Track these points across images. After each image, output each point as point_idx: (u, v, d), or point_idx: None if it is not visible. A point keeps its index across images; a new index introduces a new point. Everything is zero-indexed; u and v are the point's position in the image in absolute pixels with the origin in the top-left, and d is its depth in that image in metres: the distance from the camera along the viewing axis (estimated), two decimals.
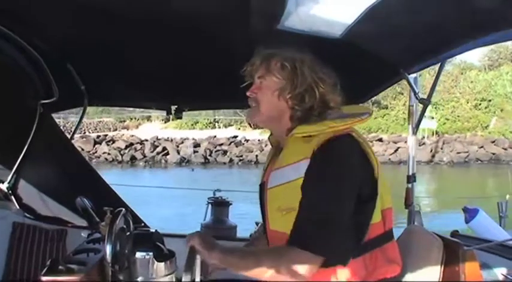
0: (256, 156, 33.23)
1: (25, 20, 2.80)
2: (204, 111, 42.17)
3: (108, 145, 36.54)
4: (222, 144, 35.76)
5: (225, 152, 34.77)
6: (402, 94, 35.93)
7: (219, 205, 3.84)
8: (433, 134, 35.58)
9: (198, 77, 3.41)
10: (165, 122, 47.35)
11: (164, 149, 35.52)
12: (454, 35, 2.39)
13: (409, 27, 2.52)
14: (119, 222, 2.21)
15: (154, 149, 35.69)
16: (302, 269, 1.84)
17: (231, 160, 33.81)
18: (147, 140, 36.82)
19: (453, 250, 2.41)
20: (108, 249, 2.11)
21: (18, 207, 3.77)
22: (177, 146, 35.85)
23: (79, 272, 2.14)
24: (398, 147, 33.57)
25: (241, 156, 34.19)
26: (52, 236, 3.42)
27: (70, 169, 3.95)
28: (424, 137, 34.84)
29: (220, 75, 3.28)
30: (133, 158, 35.12)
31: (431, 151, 33.81)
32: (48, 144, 3.83)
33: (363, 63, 2.90)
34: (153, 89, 3.66)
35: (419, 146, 33.18)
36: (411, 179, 3.37)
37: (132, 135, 38.65)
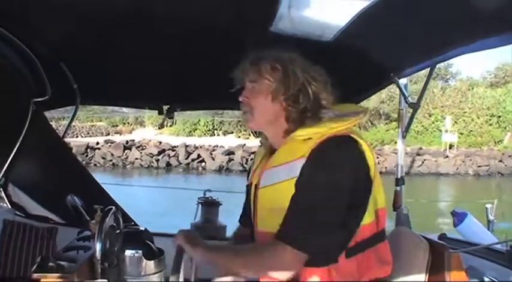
0: None
1: (20, 20, 2.80)
2: (203, 119, 42.13)
3: (139, 151, 36.55)
4: (254, 153, 35.29)
5: None
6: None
7: (209, 205, 3.86)
8: (450, 147, 36.32)
9: (190, 78, 3.43)
10: (159, 128, 47.17)
11: (199, 156, 35.46)
12: (445, 40, 2.42)
13: (400, 32, 2.54)
14: (108, 220, 2.23)
15: (189, 156, 35.63)
16: (285, 264, 1.88)
17: None
18: (176, 146, 36.81)
19: (439, 252, 2.44)
20: (97, 246, 2.13)
21: (9, 205, 3.77)
22: (211, 153, 35.75)
23: (69, 269, 2.15)
24: (425, 159, 34.76)
25: None
26: (42, 233, 3.41)
27: (61, 168, 3.95)
28: (445, 150, 35.91)
29: (213, 76, 3.29)
30: (168, 164, 35.21)
31: (454, 164, 34.71)
32: (40, 143, 3.83)
33: (353, 67, 2.92)
34: (146, 89, 3.66)
35: (444, 158, 34.80)
36: (400, 182, 3.39)
37: (160, 142, 38.45)
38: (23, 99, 3.59)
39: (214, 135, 44.28)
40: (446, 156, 35.23)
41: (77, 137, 42.54)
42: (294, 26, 2.55)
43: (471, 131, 38.19)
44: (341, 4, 2.34)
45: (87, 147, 36.56)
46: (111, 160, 35.72)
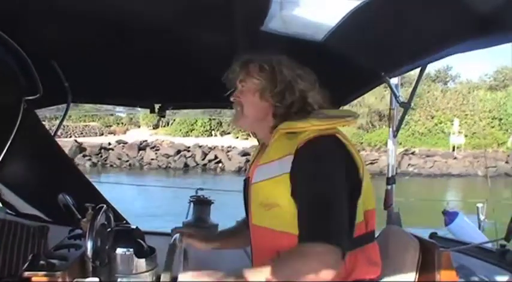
0: None
1: (11, 19, 2.80)
2: (200, 119, 42.02)
3: (153, 151, 36.70)
4: None
5: None
6: (414, 109, 37.68)
7: (201, 204, 3.85)
8: (454, 149, 37.09)
9: (182, 77, 3.42)
10: (154, 128, 47.04)
11: (216, 156, 35.56)
12: (435, 39, 2.43)
13: (391, 32, 2.55)
14: (100, 218, 2.24)
15: (205, 157, 35.75)
16: (330, 263, 1.76)
17: None
18: (189, 147, 37.00)
19: (429, 251, 2.45)
20: (89, 244, 2.14)
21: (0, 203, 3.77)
22: (227, 154, 35.80)
23: (60, 267, 2.15)
24: (435, 161, 35.64)
25: None
26: (34, 232, 3.40)
27: (53, 166, 3.93)
28: (454, 151, 36.89)
29: (204, 74, 3.29)
30: (186, 165, 35.33)
31: (463, 165, 35.64)
32: (31, 141, 3.81)
33: (344, 67, 2.93)
34: (137, 87, 3.66)
35: (453, 159, 35.92)
36: (391, 180, 3.40)
37: (173, 142, 38.53)
38: (14, 97, 3.57)
39: (212, 135, 44.23)
40: (455, 158, 36.02)
41: (70, 137, 42.49)
42: (284, 26, 2.56)
43: (474, 133, 38.70)
44: (332, 4, 2.35)
45: (101, 147, 36.71)
46: (127, 161, 35.89)
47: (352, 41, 2.75)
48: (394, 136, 3.52)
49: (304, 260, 1.78)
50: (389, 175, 3.43)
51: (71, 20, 2.71)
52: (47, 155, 3.99)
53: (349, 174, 1.95)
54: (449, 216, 5.46)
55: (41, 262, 2.13)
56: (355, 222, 1.97)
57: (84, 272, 2.20)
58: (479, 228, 5.78)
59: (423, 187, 27.77)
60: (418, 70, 3.18)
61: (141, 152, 36.68)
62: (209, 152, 36.31)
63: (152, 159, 35.77)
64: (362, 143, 36.12)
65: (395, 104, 3.46)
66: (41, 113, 4.13)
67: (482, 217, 6.10)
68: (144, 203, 18.01)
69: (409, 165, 33.73)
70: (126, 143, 38.21)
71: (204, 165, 35.26)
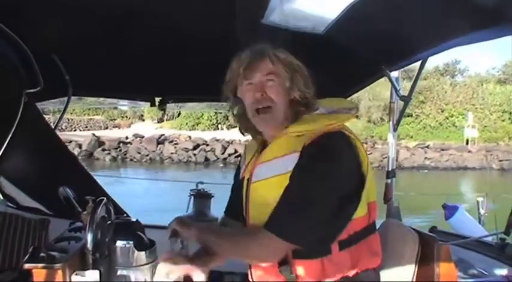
0: None
1: (12, 11, 2.79)
2: (207, 113, 41.96)
3: (172, 145, 36.66)
4: None
5: None
6: (424, 103, 37.77)
7: (201, 197, 3.85)
8: (468, 142, 37.39)
9: (182, 70, 3.43)
10: (159, 122, 46.97)
11: (236, 150, 35.25)
12: (435, 33, 2.43)
13: (391, 25, 2.55)
14: (100, 211, 2.23)
15: (225, 150, 35.65)
16: (269, 253, 1.91)
17: None
18: (206, 141, 36.97)
19: (429, 244, 2.46)
20: (89, 237, 2.14)
21: (0, 196, 3.77)
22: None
23: (60, 259, 2.16)
24: (450, 154, 35.62)
25: None
26: (34, 225, 3.42)
27: (53, 159, 3.94)
28: (467, 144, 37.08)
29: (204, 67, 3.29)
30: (206, 159, 35.27)
31: (478, 158, 35.56)
32: (31, 134, 3.81)
33: (344, 60, 2.93)
34: (137, 80, 3.66)
35: (468, 152, 35.98)
36: (391, 174, 3.40)
37: (190, 137, 38.51)
38: (15, 90, 3.57)
39: (218, 129, 44.11)
40: (469, 151, 36.17)
41: (75, 130, 42.51)
42: (285, 18, 2.56)
43: (485, 126, 38.82)
44: None
45: (119, 141, 36.73)
46: (147, 155, 35.79)
47: (352, 34, 2.75)
48: (395, 130, 3.52)
49: (248, 242, 1.96)
50: (389, 169, 3.43)
51: (72, 14, 2.71)
52: (48, 148, 3.99)
53: (354, 170, 1.95)
54: (450, 210, 5.46)
55: (42, 254, 2.14)
56: (357, 216, 1.97)
57: (84, 264, 2.20)
58: (479, 222, 5.79)
59: (442, 180, 27.90)
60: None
61: (160, 146, 36.54)
62: (228, 146, 36.14)
63: (172, 153, 35.67)
64: (373, 136, 36.19)
65: (396, 98, 3.46)
66: (43, 106, 4.13)
67: (482, 211, 6.10)
68: (155, 197, 18.00)
69: (425, 158, 33.95)
70: (142, 137, 38.13)
71: (225, 159, 35.07)
